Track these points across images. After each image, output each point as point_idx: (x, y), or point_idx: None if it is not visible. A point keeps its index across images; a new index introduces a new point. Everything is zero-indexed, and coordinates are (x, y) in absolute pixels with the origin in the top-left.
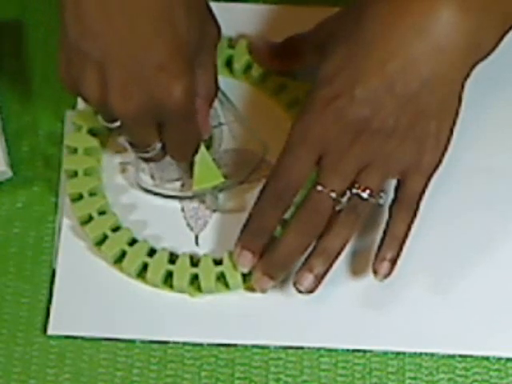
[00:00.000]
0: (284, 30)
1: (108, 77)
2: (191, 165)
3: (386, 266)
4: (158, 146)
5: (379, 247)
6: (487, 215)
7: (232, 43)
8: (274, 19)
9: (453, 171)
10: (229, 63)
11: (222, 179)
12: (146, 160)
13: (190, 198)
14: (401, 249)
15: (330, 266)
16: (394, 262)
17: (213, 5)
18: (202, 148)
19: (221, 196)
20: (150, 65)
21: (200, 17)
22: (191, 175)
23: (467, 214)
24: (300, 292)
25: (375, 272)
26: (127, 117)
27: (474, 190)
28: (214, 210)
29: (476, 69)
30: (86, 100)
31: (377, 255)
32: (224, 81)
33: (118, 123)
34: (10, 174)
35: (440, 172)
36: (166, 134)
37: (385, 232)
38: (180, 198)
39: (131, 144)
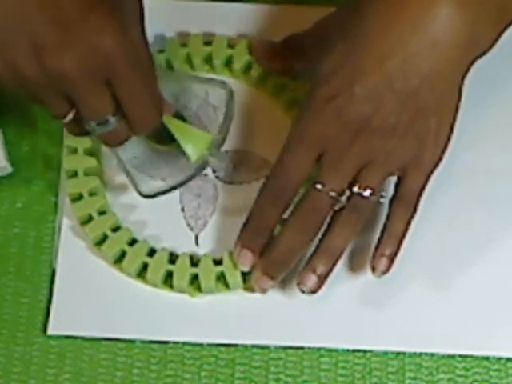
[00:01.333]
0: (284, 29)
1: (38, 39)
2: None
3: (384, 262)
4: (113, 119)
5: (378, 243)
6: (486, 215)
7: (232, 43)
8: (274, 19)
9: (452, 172)
10: (229, 63)
11: (211, 135)
12: (110, 143)
13: (195, 174)
14: (399, 246)
15: (333, 265)
16: (392, 258)
17: (213, 5)
18: (174, 120)
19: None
20: (74, 14)
21: None
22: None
23: (466, 214)
24: (303, 292)
25: (373, 268)
26: (68, 74)
27: (473, 190)
28: (225, 181)
29: (476, 69)
30: (27, 85)
31: (375, 251)
32: (224, 81)
33: (70, 115)
34: (9, 169)
35: (439, 172)
36: (121, 95)
37: (384, 228)
38: (187, 181)
39: (90, 125)
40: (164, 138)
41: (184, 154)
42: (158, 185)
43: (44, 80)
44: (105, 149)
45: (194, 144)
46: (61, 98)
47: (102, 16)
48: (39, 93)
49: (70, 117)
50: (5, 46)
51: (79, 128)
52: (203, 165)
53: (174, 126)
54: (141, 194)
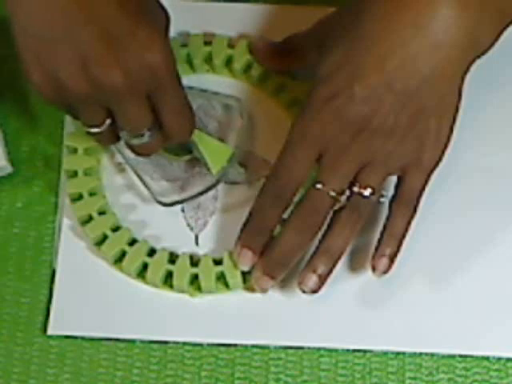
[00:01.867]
0: (284, 30)
1: (86, 53)
2: (191, 160)
3: (384, 262)
4: (148, 133)
5: (378, 243)
6: (487, 215)
7: (232, 43)
8: (274, 19)
9: (452, 171)
10: (229, 63)
11: (232, 149)
12: (142, 153)
13: (216, 184)
14: (400, 245)
15: (334, 265)
16: (392, 258)
17: (213, 5)
18: (198, 132)
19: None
20: (122, 29)
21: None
22: (192, 169)
23: (467, 214)
24: (304, 292)
25: (374, 268)
26: (117, 86)
27: (474, 189)
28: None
29: (476, 69)
30: (68, 96)
31: (375, 251)
32: (224, 81)
33: (107, 121)
34: (10, 168)
35: (440, 171)
36: (161, 109)
37: (384, 228)
38: (207, 191)
39: (125, 135)
40: (181, 150)
41: (203, 165)
42: (177, 194)
43: (87, 92)
44: (105, 149)
45: (215, 156)
46: (98, 108)
47: (148, 31)
48: (78, 104)
49: (104, 127)
50: (48, 56)
51: (109, 138)
52: (222, 176)
53: (198, 138)
54: (160, 202)
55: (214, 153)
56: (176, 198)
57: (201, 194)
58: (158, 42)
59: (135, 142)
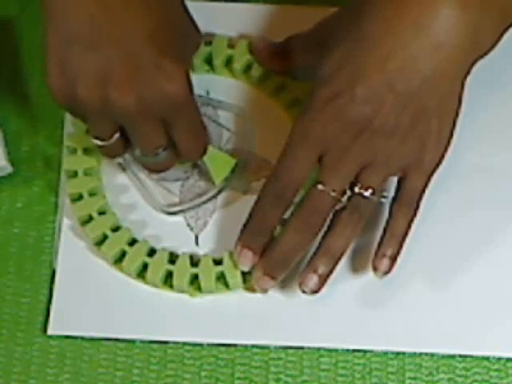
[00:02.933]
0: (284, 30)
1: (107, 72)
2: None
3: (385, 262)
4: (162, 153)
5: (379, 244)
6: (487, 215)
7: (232, 43)
8: (274, 19)
9: (453, 171)
10: (229, 63)
11: (234, 159)
12: (154, 170)
13: (218, 193)
14: (401, 246)
15: (334, 266)
16: (393, 259)
17: (213, 5)
18: None
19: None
20: (147, 58)
21: (184, 22)
22: (194, 171)
23: (467, 214)
24: (305, 292)
25: (375, 269)
26: (129, 110)
27: (474, 189)
28: (246, 192)
29: (476, 69)
30: (79, 106)
31: (377, 252)
32: (224, 81)
33: (115, 136)
34: (10, 168)
35: (440, 171)
36: (176, 131)
37: (385, 229)
38: (210, 200)
39: (139, 153)
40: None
41: (205, 175)
42: (178, 203)
43: (99, 108)
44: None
45: (218, 167)
46: (108, 123)
47: (172, 63)
48: (88, 115)
49: (112, 140)
50: (71, 64)
51: (112, 152)
52: (223, 186)
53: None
54: (163, 211)
55: (217, 163)
56: (179, 207)
57: (198, 206)
58: (179, 75)
59: (148, 160)
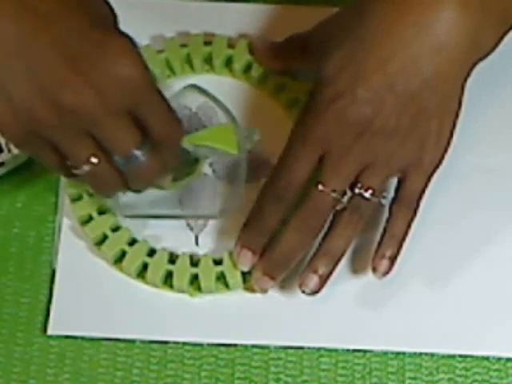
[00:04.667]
0: (284, 29)
1: (51, 80)
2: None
3: (385, 263)
4: (139, 152)
5: (379, 245)
6: (487, 215)
7: (232, 43)
8: (274, 19)
9: (453, 171)
10: (229, 63)
11: (230, 124)
12: (143, 181)
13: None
14: (400, 247)
15: (334, 266)
16: (393, 259)
17: (213, 5)
18: (191, 136)
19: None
20: (86, 48)
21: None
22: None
23: (467, 214)
24: (305, 293)
25: (374, 269)
26: (91, 110)
27: (474, 190)
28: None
29: (476, 69)
30: (42, 130)
31: (376, 253)
32: (224, 81)
33: (94, 158)
34: (25, 157)
35: (440, 172)
36: (146, 117)
37: (384, 230)
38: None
39: (119, 163)
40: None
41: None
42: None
43: (62, 121)
44: None
45: (226, 140)
46: (80, 137)
47: (116, 41)
48: (59, 140)
49: (94, 160)
50: (10, 89)
51: (108, 176)
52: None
53: (194, 139)
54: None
55: (222, 137)
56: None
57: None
58: (127, 51)
59: (131, 167)
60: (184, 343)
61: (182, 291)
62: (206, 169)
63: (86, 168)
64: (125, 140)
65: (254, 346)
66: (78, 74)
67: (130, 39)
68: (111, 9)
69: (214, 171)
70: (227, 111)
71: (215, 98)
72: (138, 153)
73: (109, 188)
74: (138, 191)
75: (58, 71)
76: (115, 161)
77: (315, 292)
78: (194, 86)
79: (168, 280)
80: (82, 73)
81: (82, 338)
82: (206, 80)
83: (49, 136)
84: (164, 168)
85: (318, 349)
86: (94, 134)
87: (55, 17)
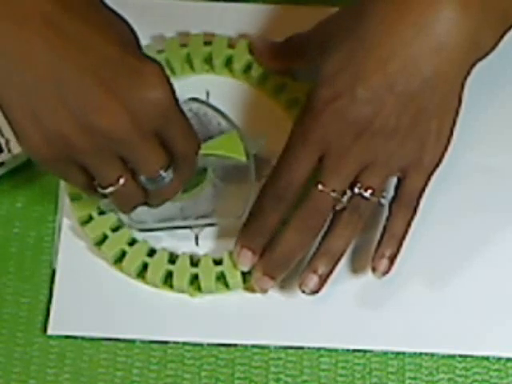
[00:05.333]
0: (284, 29)
1: (87, 105)
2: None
3: (384, 263)
4: (165, 174)
5: (378, 244)
6: (487, 215)
7: (232, 43)
8: (274, 19)
9: (452, 171)
10: (229, 63)
11: (233, 131)
12: (164, 198)
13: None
14: (400, 246)
15: (334, 266)
16: (392, 259)
17: (213, 5)
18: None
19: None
20: (120, 67)
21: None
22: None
23: (467, 214)
24: (305, 293)
25: (374, 269)
26: (125, 134)
27: (474, 189)
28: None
29: (476, 69)
30: (74, 153)
31: (376, 252)
32: (224, 81)
33: (122, 179)
34: (25, 156)
35: (440, 172)
36: (171, 138)
37: (384, 229)
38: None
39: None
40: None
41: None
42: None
43: (96, 145)
44: None
45: (233, 147)
46: (111, 159)
47: (149, 67)
48: (87, 161)
49: (122, 181)
50: (47, 114)
51: (131, 195)
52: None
53: (205, 148)
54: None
55: (229, 146)
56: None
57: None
58: (160, 77)
59: (155, 186)
60: (184, 343)
61: (182, 291)
62: (215, 180)
63: (112, 188)
64: (153, 162)
65: (253, 346)
66: (113, 99)
67: (160, 64)
68: (133, 31)
69: (216, 175)
70: (229, 120)
71: (217, 108)
72: (164, 173)
73: (131, 205)
74: (153, 206)
75: (93, 96)
76: (140, 180)
77: (315, 292)
78: (195, 99)
79: (168, 280)
80: (117, 98)
81: (82, 338)
82: (206, 80)
83: (79, 159)
84: (184, 184)
85: (318, 349)
86: (124, 156)
87: (86, 40)
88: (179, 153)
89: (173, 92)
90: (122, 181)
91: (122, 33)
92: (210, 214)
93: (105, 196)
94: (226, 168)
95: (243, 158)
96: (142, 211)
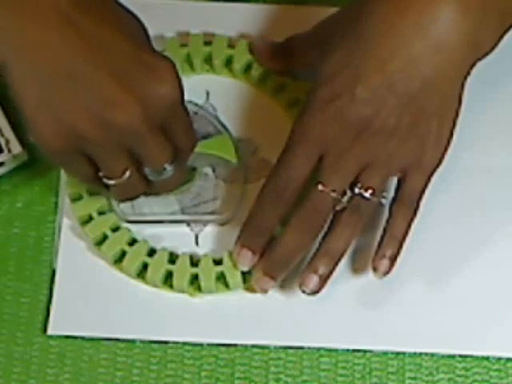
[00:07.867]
0: (284, 29)
1: (102, 99)
2: None
3: (385, 263)
4: (170, 167)
5: (379, 245)
6: (487, 215)
7: (232, 43)
8: (274, 19)
9: (452, 171)
10: (229, 63)
11: (224, 134)
12: (165, 189)
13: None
14: (400, 247)
15: (335, 266)
16: (393, 259)
17: (213, 5)
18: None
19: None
20: (134, 63)
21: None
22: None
23: (467, 214)
24: (305, 293)
25: (375, 269)
26: (137, 125)
27: (474, 189)
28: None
29: (476, 69)
30: (85, 145)
31: (377, 252)
32: (224, 81)
33: (128, 172)
34: (25, 156)
35: (440, 172)
36: (174, 133)
37: (385, 230)
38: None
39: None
40: None
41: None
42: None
43: (106, 137)
44: None
45: (225, 150)
46: (119, 151)
47: (164, 65)
48: (96, 152)
49: (128, 173)
50: (61, 106)
51: (134, 187)
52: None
53: (200, 147)
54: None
55: (221, 148)
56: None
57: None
58: (172, 73)
59: (158, 178)
60: (184, 343)
61: (182, 291)
62: (206, 169)
63: (118, 180)
64: (160, 155)
65: (254, 346)
66: (127, 93)
67: (171, 61)
68: (144, 27)
69: (214, 171)
70: (223, 125)
71: (208, 111)
72: (168, 166)
73: (133, 195)
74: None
75: (107, 90)
76: (145, 172)
77: (315, 292)
78: (190, 102)
79: (168, 280)
80: (131, 92)
81: (82, 338)
82: (206, 80)
83: (89, 151)
84: (186, 177)
85: (318, 349)
86: (132, 149)
87: (101, 36)
88: (182, 147)
89: (181, 88)
90: (128, 173)
91: (135, 29)
92: (208, 208)
93: (107, 187)
94: (220, 167)
95: (234, 160)
96: (137, 203)
